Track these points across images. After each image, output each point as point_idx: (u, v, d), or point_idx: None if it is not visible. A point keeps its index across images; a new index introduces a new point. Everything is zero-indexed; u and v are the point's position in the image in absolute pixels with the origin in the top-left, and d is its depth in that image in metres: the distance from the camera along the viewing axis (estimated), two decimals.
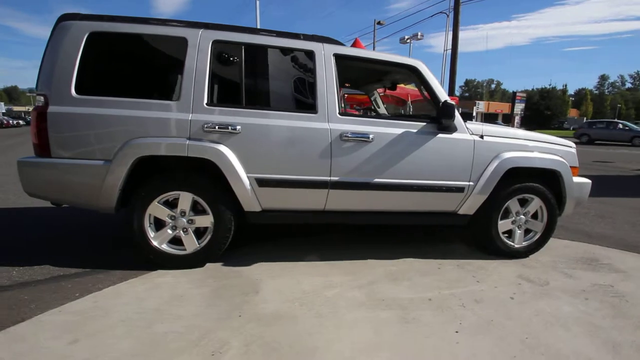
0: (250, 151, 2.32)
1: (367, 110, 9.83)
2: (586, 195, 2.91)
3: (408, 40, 21.50)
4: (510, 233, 2.81)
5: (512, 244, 2.78)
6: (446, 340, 1.71)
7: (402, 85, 5.69)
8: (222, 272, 2.39)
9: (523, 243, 2.81)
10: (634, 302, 2.15)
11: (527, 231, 2.84)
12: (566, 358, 1.60)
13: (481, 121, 7.06)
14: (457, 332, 1.78)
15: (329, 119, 2.40)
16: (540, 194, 2.73)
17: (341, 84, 2.94)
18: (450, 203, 2.63)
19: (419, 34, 20.98)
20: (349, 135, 2.40)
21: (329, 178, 2.41)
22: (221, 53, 2.35)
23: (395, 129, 2.49)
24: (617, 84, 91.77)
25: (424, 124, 2.54)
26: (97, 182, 2.23)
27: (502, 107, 43.59)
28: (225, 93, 2.43)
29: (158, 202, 2.31)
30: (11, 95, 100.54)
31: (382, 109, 4.05)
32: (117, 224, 3.38)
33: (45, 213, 3.68)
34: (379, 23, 23.44)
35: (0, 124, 29.29)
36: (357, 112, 6.15)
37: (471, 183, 2.59)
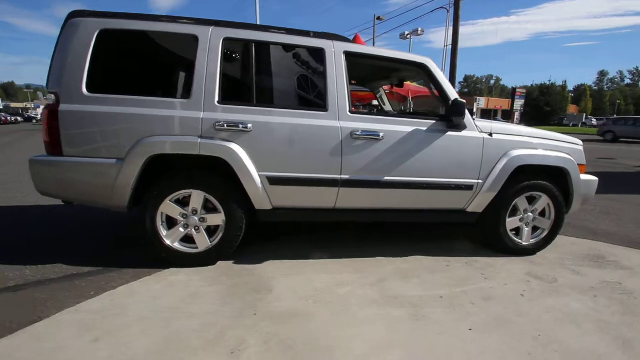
0: (262, 149, 2.32)
1: (368, 107, 9.84)
2: (593, 193, 2.93)
3: (408, 36, 21.44)
4: (518, 230, 2.83)
5: (520, 241, 2.81)
6: (459, 337, 1.74)
7: None
8: (235, 270, 2.40)
9: (531, 240, 2.83)
10: None
11: (534, 229, 2.86)
12: (578, 354, 1.63)
13: (480, 117, 7.05)
14: (470, 329, 1.81)
15: (340, 117, 2.40)
16: (548, 191, 2.75)
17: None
18: (460, 201, 2.64)
19: (419, 29, 20.91)
20: (360, 134, 2.40)
21: (340, 176, 2.42)
22: (232, 51, 2.35)
23: (405, 127, 2.49)
24: (617, 79, 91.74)
25: (434, 121, 2.55)
26: (109, 181, 2.23)
27: (501, 103, 43.51)
28: (236, 91, 2.43)
29: (170, 201, 2.32)
30: (8, 91, 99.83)
31: (388, 106, 4.04)
32: (120, 222, 3.39)
33: (50, 211, 3.69)
34: (378, 18, 23.27)
35: None
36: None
37: (480, 181, 2.60)
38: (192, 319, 1.82)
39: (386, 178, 2.48)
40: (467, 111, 2.52)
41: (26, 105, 63.15)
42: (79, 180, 2.27)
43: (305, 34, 2.45)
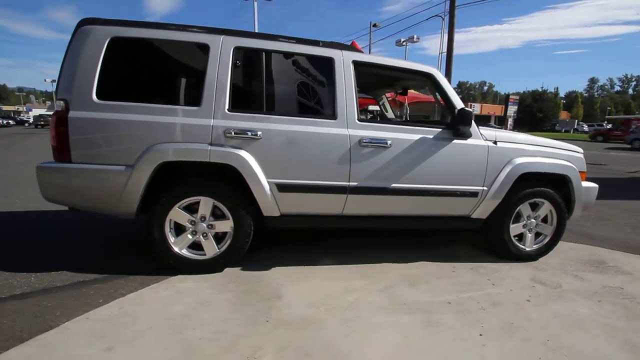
0: (271, 157, 2.34)
1: (364, 112, 9.92)
2: (593, 199, 2.99)
3: (404, 43, 21.73)
4: (521, 236, 2.87)
5: (524, 247, 2.85)
6: (472, 342, 1.76)
7: None
8: (242, 277, 2.40)
9: (534, 246, 2.88)
10: None
11: (537, 234, 2.91)
12: (589, 359, 1.66)
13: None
14: (480, 334, 1.83)
15: (348, 125, 2.43)
16: (550, 198, 2.80)
17: None
18: (464, 207, 2.68)
19: (415, 37, 21.22)
20: (368, 141, 2.43)
21: (348, 183, 2.44)
22: (242, 59, 2.37)
23: (412, 135, 2.53)
24: (607, 87, 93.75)
25: (440, 130, 2.59)
26: (118, 188, 2.22)
27: (494, 109, 44.08)
28: (246, 99, 2.45)
29: (179, 207, 2.32)
30: (0, 94, 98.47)
31: (390, 113, 4.10)
32: (124, 228, 3.37)
33: (52, 217, 3.64)
34: (374, 25, 23.56)
35: None
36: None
37: (485, 188, 2.65)
38: (204, 326, 1.81)
39: (393, 185, 2.51)
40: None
41: (18, 109, 62.38)
42: (87, 186, 2.26)
43: (314, 43, 2.48)
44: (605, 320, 2.01)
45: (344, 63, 2.47)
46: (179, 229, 2.38)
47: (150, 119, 2.22)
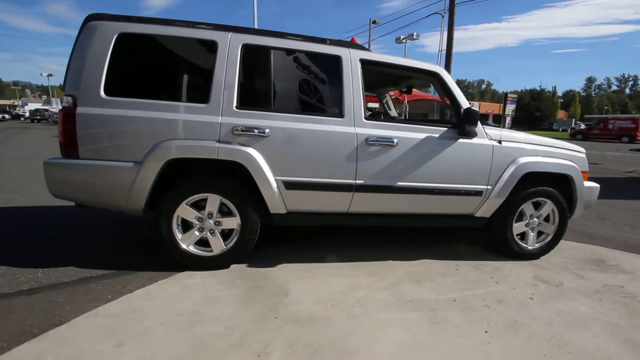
0: (278, 154, 2.35)
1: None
2: (595, 199, 3.03)
3: (404, 40, 21.67)
4: (523, 235, 2.90)
5: (526, 245, 2.89)
6: (478, 340, 1.79)
7: None
8: (249, 274, 2.42)
9: (536, 245, 2.92)
10: None
11: (539, 233, 2.94)
12: (591, 356, 1.70)
13: None
14: (486, 332, 1.86)
15: (355, 124, 2.45)
16: (552, 197, 2.83)
17: None
18: (469, 206, 2.71)
19: (415, 34, 21.16)
20: (374, 140, 2.45)
21: (354, 181, 2.46)
22: (250, 57, 2.37)
23: (418, 133, 2.55)
24: (604, 86, 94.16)
25: (446, 129, 2.61)
26: (126, 184, 2.23)
27: (492, 108, 44.17)
28: (254, 96, 2.46)
29: (186, 204, 2.32)
30: None
31: (393, 112, 4.11)
32: (130, 224, 3.37)
33: (55, 212, 3.64)
34: (374, 22, 23.47)
35: None
36: None
37: (489, 187, 2.67)
38: (213, 322, 1.83)
39: (399, 183, 2.53)
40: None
41: (13, 103, 61.78)
42: (95, 182, 2.26)
43: (322, 41, 2.48)
44: (607, 318, 2.05)
45: (351, 61, 2.47)
46: (186, 226, 2.39)
47: (157, 115, 2.22)
